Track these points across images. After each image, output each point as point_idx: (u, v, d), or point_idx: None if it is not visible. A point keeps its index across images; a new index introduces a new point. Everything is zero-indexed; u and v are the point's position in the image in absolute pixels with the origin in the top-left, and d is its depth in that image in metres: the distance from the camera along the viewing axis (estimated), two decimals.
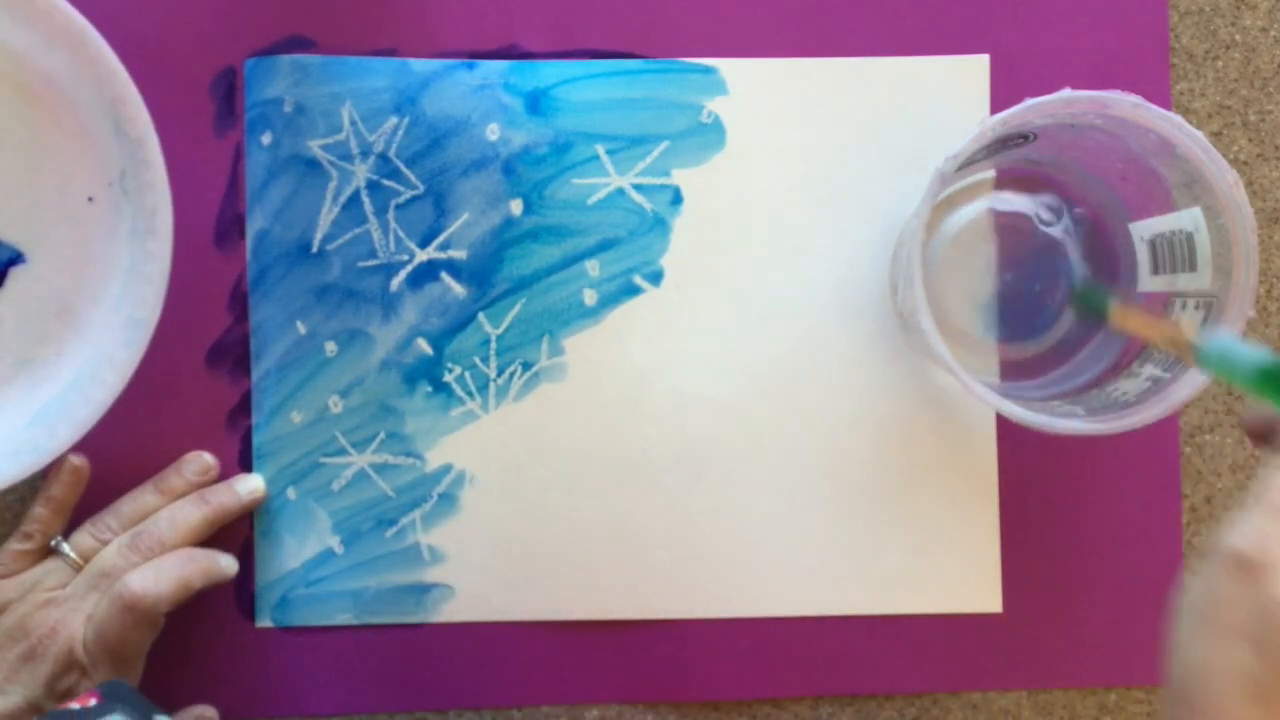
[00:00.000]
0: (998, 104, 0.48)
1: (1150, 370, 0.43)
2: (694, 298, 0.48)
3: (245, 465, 0.48)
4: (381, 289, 0.48)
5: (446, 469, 0.48)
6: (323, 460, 0.48)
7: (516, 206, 0.48)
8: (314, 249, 0.48)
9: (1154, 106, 0.41)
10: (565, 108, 0.48)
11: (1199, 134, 0.40)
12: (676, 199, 0.48)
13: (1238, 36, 0.50)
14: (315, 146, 0.48)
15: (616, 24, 0.49)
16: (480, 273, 0.48)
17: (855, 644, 0.48)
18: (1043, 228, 0.47)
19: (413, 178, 0.48)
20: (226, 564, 0.46)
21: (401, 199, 0.48)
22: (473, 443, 0.48)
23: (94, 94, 0.45)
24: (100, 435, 0.45)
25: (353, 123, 0.48)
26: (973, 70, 0.49)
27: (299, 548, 0.48)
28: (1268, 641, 0.28)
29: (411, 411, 0.48)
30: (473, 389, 0.48)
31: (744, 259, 0.48)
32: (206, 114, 0.48)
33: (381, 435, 0.48)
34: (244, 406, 0.48)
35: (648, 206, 0.48)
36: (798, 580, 0.48)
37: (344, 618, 0.48)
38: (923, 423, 0.48)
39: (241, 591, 0.48)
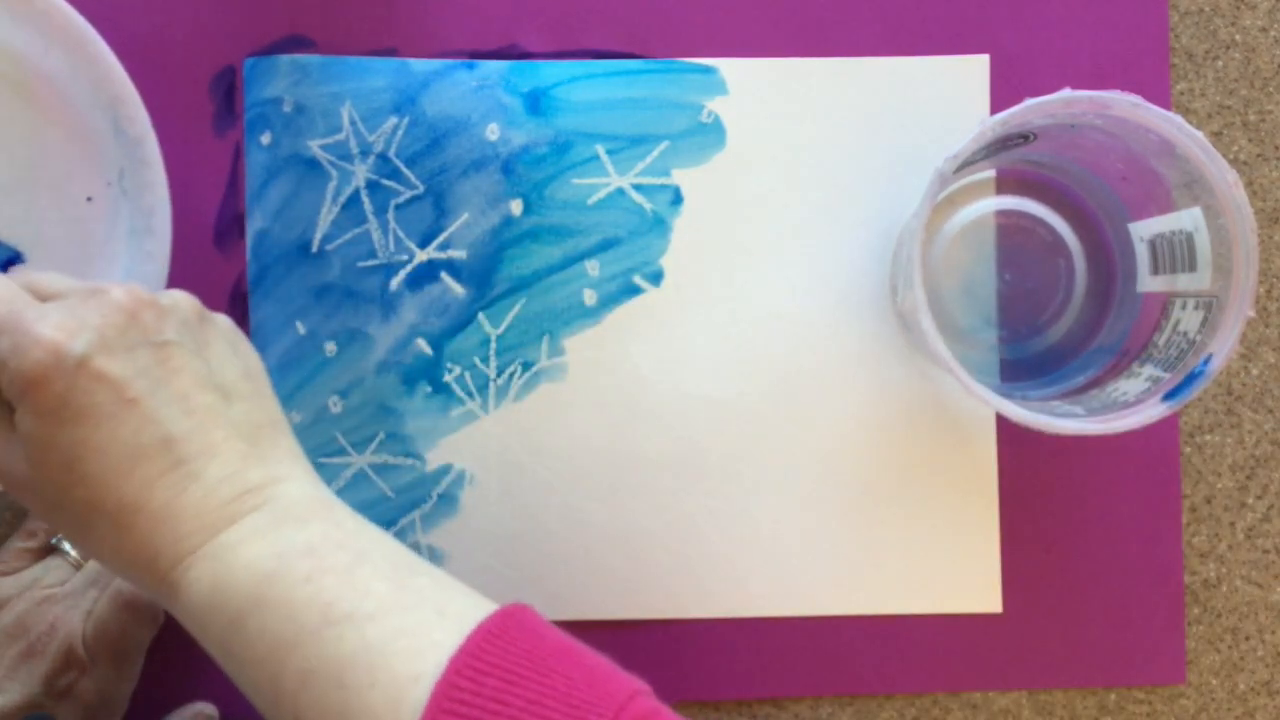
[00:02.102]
0: (998, 104, 0.48)
1: (1150, 370, 0.43)
2: (694, 298, 0.48)
3: None
4: (381, 289, 0.48)
5: (446, 469, 0.48)
6: (322, 460, 0.48)
7: (516, 206, 0.48)
8: (314, 249, 0.48)
9: (1154, 106, 0.41)
10: (565, 108, 0.48)
11: (1199, 134, 0.40)
12: (676, 199, 0.48)
13: (1238, 36, 0.50)
14: (315, 146, 0.48)
15: (616, 24, 0.49)
16: (480, 273, 0.48)
17: (855, 644, 0.48)
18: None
19: (412, 178, 0.48)
20: None
21: (401, 199, 0.48)
22: (472, 443, 0.48)
23: (93, 94, 0.46)
24: None
25: (352, 123, 0.48)
26: (973, 70, 0.49)
27: None
28: None
29: (411, 412, 0.48)
30: (472, 389, 0.48)
31: (744, 259, 0.48)
32: (206, 114, 0.48)
33: (381, 435, 0.48)
34: None
35: (648, 206, 0.48)
36: (798, 580, 0.48)
37: None
38: (923, 423, 0.48)
39: None
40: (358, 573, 0.32)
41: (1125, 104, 0.41)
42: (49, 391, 0.32)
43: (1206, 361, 0.41)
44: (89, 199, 0.47)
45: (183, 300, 0.36)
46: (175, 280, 0.46)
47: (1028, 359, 0.48)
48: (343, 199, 0.48)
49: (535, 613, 0.33)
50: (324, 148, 0.48)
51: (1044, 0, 0.49)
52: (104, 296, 0.34)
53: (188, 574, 0.33)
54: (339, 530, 0.34)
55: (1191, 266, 0.43)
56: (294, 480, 0.35)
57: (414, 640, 0.31)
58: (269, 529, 0.33)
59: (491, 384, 0.48)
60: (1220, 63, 0.50)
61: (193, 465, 0.33)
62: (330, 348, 0.48)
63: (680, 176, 0.48)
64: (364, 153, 0.48)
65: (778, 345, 0.48)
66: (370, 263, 0.48)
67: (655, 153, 0.48)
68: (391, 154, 0.48)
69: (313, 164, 0.48)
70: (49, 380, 0.32)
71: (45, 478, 0.33)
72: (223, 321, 0.37)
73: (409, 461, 0.48)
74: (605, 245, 0.48)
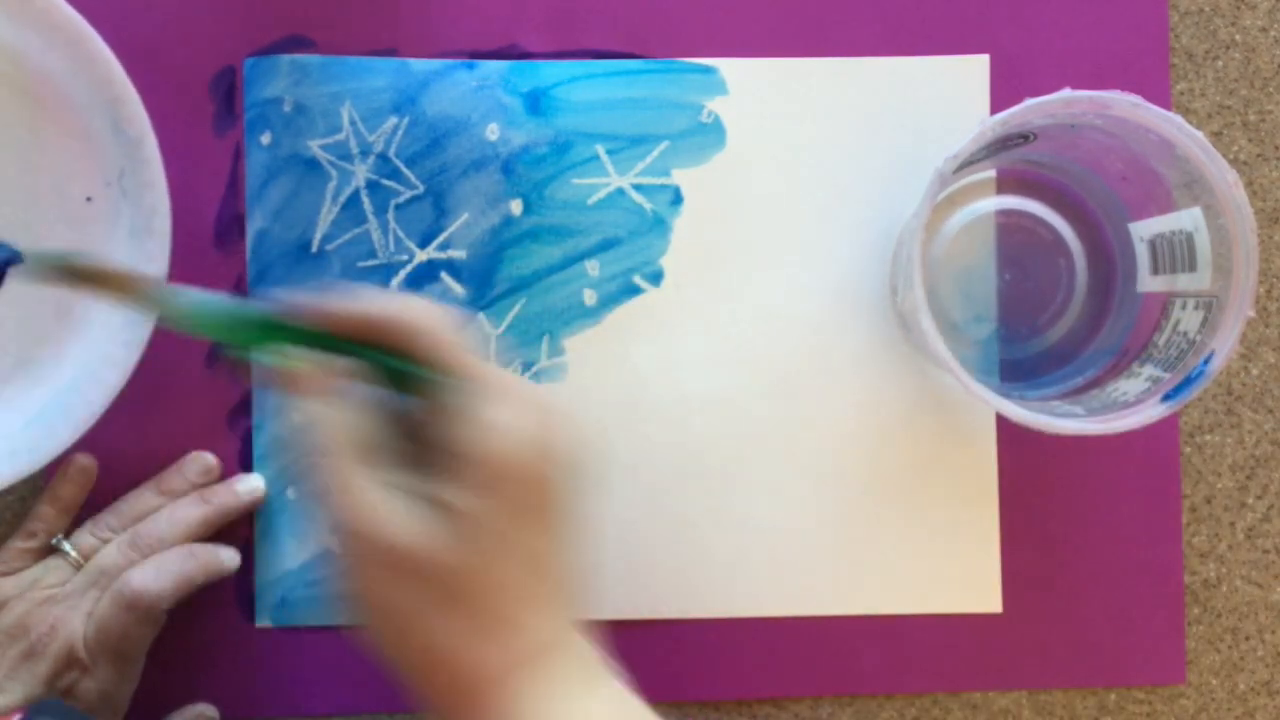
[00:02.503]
0: (998, 104, 0.48)
1: (1150, 370, 0.43)
2: (694, 298, 0.48)
3: (245, 465, 0.48)
4: (381, 289, 0.48)
5: None
6: None
7: (516, 206, 0.48)
8: (314, 249, 0.48)
9: (1154, 106, 0.41)
10: (565, 108, 0.48)
11: (1199, 134, 0.40)
12: (676, 199, 0.48)
13: (1238, 36, 0.50)
14: (315, 146, 0.48)
15: (616, 24, 0.49)
16: (480, 273, 0.48)
17: (855, 644, 0.48)
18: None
19: (412, 178, 0.48)
20: (228, 558, 0.45)
21: (401, 199, 0.48)
22: None
23: (92, 94, 0.45)
24: (100, 435, 0.45)
25: (352, 123, 0.48)
26: (973, 70, 0.49)
27: (299, 548, 0.48)
28: None
29: None
30: None
31: (744, 259, 0.48)
32: (206, 114, 0.48)
33: None
34: (244, 406, 0.48)
35: (648, 206, 0.48)
36: (798, 580, 0.48)
37: (344, 618, 0.48)
38: (923, 423, 0.48)
39: (241, 591, 0.48)
40: None
41: (1125, 104, 0.41)
42: (542, 493, 0.32)
43: (1206, 361, 0.41)
44: (89, 199, 0.47)
45: None
46: (176, 280, 0.46)
47: (1028, 359, 0.48)
48: (343, 199, 0.48)
49: None
50: (324, 148, 0.48)
51: (1044, 0, 0.49)
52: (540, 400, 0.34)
53: (508, 693, 0.33)
54: (625, 697, 0.36)
55: (1191, 266, 0.43)
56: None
57: None
58: (591, 678, 0.35)
59: None
60: (1220, 63, 0.50)
61: (559, 597, 0.34)
62: None
63: (680, 176, 0.48)
64: (364, 153, 0.48)
65: (778, 345, 0.48)
66: (370, 263, 0.48)
67: (655, 153, 0.48)
68: (391, 154, 0.48)
69: (313, 164, 0.48)
70: (547, 482, 0.32)
71: (471, 564, 0.32)
72: None
73: None
74: (605, 245, 0.48)
